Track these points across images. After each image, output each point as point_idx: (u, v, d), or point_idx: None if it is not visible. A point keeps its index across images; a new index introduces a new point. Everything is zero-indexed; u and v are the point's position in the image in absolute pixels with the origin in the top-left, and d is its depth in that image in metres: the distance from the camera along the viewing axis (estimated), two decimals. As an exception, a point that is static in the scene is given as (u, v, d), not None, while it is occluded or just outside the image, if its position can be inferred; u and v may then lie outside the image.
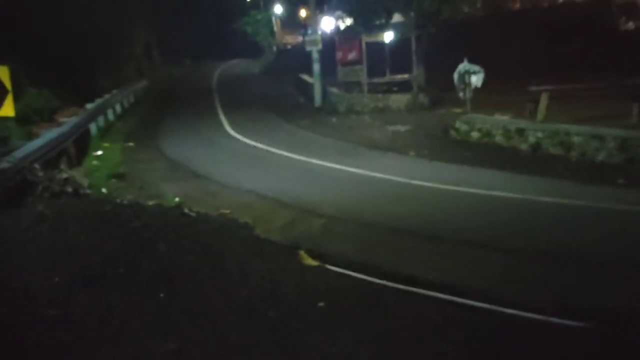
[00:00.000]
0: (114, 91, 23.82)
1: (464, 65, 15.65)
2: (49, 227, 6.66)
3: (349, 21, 30.92)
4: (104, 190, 10.80)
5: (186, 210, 8.31)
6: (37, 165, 9.68)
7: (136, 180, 11.79)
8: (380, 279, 6.12)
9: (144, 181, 11.67)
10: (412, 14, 20.54)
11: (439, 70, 22.97)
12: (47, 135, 12.22)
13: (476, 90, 15.98)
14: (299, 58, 32.99)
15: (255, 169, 12.33)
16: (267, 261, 6.57)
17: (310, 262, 6.65)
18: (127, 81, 30.43)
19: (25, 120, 17.92)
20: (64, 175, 9.28)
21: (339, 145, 14.83)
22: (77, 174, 10.94)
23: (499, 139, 13.85)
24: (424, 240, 7.31)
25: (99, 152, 14.92)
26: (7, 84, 8.94)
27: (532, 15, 29.67)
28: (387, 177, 10.79)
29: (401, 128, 17.27)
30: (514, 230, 7.61)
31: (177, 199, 9.66)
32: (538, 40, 25.03)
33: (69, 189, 9.17)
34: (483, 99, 16.63)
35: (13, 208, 8.03)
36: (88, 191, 10.07)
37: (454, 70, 24.73)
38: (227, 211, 8.91)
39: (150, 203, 9.35)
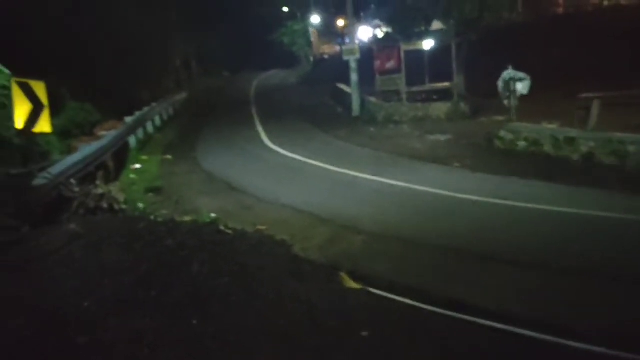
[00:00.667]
0: (154, 104, 23.95)
1: (508, 72, 15.04)
2: (82, 246, 6.45)
3: (386, 30, 30.61)
4: (140, 205, 10.65)
5: (222, 227, 8.02)
6: (73, 181, 9.56)
7: (173, 194, 11.61)
8: (428, 304, 5.67)
9: (180, 195, 11.49)
10: (452, 21, 19.96)
11: (479, 77, 22.44)
12: (85, 149, 12.16)
13: (520, 98, 15.31)
14: (336, 68, 32.79)
15: (292, 181, 12.02)
16: (305, 283, 6.21)
17: (352, 284, 6.25)
18: (167, 93, 30.69)
19: (67, 134, 18.10)
20: (100, 191, 9.13)
21: (378, 156, 14.41)
22: (114, 189, 10.82)
23: (547, 148, 13.18)
24: (473, 260, 6.81)
25: (137, 166, 14.86)
26: (44, 99, 8.85)
27: (576, 19, 28.65)
28: (430, 190, 10.30)
29: (442, 137, 16.74)
30: (569, 249, 7.03)
31: (212, 215, 9.40)
32: (582, 46, 24.08)
33: (105, 205, 9.02)
34: (527, 107, 15.95)
35: (48, 225, 7.90)
36: (124, 206, 9.93)
37: (494, 77, 24.00)
38: (264, 227, 8.60)
39: (186, 219, 9.13)
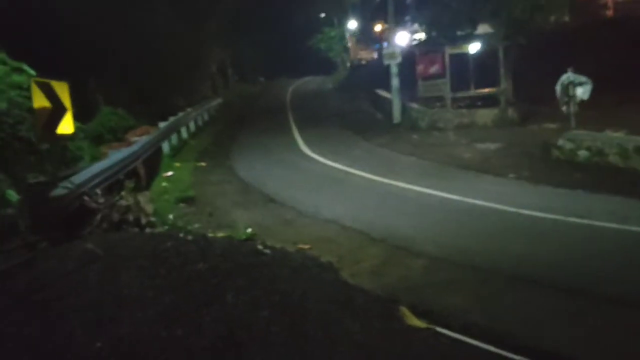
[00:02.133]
0: (188, 109, 23.22)
1: (567, 76, 13.71)
2: (99, 270, 5.49)
3: (423, 34, 29.32)
4: (170, 216, 9.72)
5: (260, 247, 6.99)
6: (98, 191, 8.68)
7: (206, 205, 10.67)
8: (513, 353, 4.51)
9: (214, 206, 10.53)
10: (499, 23, 18.65)
11: (526, 83, 21.12)
12: (114, 156, 11.34)
13: (579, 104, 13.95)
14: (374, 74, 31.68)
15: (335, 193, 10.94)
16: (359, 319, 5.12)
17: (416, 322, 5.12)
18: (202, 99, 30.05)
19: (99, 139, 17.44)
20: (125, 202, 8.20)
21: (425, 166, 13.23)
22: (143, 199, 9.90)
23: (613, 158, 11.83)
24: (560, 294, 5.61)
25: (170, 173, 14.00)
26: (67, 101, 8.00)
27: (626, 23, 26.93)
28: (490, 205, 9.09)
29: (491, 146, 15.46)
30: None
31: (249, 230, 8.39)
32: (634, 50, 22.42)
33: (130, 218, 8.09)
34: (584, 113, 14.58)
35: (68, 241, 7.01)
36: (152, 219, 9.00)
37: (542, 83, 22.65)
38: (307, 247, 7.55)
39: (220, 235, 8.14)
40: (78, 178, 8.52)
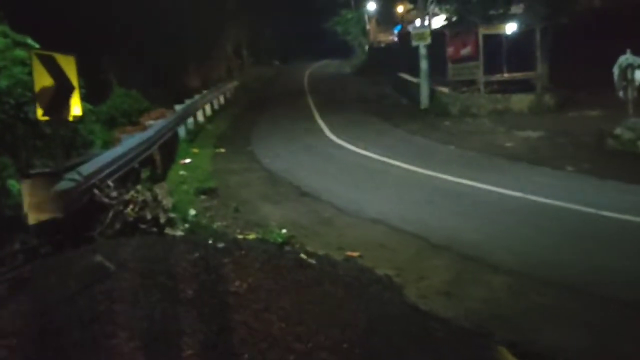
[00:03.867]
0: (204, 91, 21.91)
1: (626, 58, 12.24)
2: (106, 291, 4.25)
3: (446, 17, 27.60)
4: (191, 212, 8.46)
5: (303, 256, 5.73)
6: (110, 183, 7.43)
7: (230, 198, 9.40)
8: None
9: (239, 200, 9.26)
10: (540, 1, 17.13)
11: (561, 67, 19.64)
12: (128, 142, 10.08)
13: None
14: (394, 57, 30.16)
15: (374, 186, 9.63)
16: (445, 362, 3.88)
17: (523, 371, 3.86)
18: (218, 81, 28.73)
19: (112, 123, 16.23)
20: (142, 197, 6.94)
21: (469, 156, 11.88)
22: (161, 191, 8.66)
23: (682, 150, 10.45)
24: None
25: (187, 160, 12.75)
26: (74, 78, 6.72)
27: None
28: (559, 203, 7.76)
29: (533, 134, 14.09)
30: None
31: (284, 231, 7.11)
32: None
33: (148, 216, 6.83)
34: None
35: (73, 246, 5.78)
36: (172, 214, 7.74)
37: (579, 67, 21.11)
38: (356, 254, 6.27)
39: (251, 237, 6.88)
40: (87, 168, 7.26)
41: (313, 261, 5.65)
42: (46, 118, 6.60)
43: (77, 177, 6.67)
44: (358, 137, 14.39)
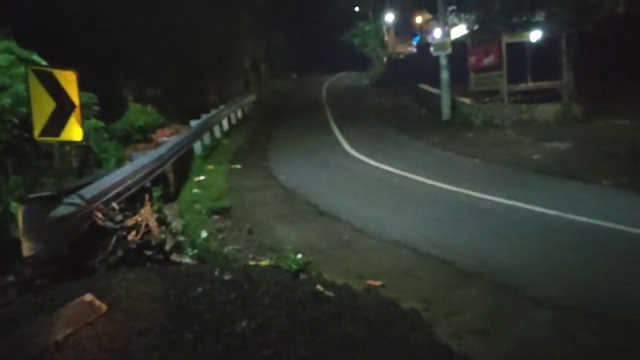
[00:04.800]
0: (222, 106, 21.53)
1: (661, 64, 11.48)
2: (95, 337, 3.72)
3: (467, 26, 26.97)
4: (202, 234, 7.94)
5: (319, 287, 5.15)
6: (115, 205, 6.96)
7: (243, 219, 8.88)
8: None
9: (253, 220, 8.73)
10: (565, 7, 16.44)
11: (587, 75, 18.91)
12: (138, 160, 9.64)
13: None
14: (413, 68, 29.55)
15: (396, 204, 9.02)
16: None
17: None
18: (235, 96, 28.42)
19: (127, 139, 15.91)
20: (147, 221, 6.44)
21: (495, 170, 11.22)
22: (171, 212, 8.21)
23: None
24: None
25: (202, 177, 12.28)
26: (74, 96, 6.27)
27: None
28: (602, 223, 7.07)
29: (561, 145, 13.36)
30: None
31: (299, 256, 6.54)
32: None
33: (153, 242, 6.33)
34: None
35: (71, 277, 5.30)
36: (181, 238, 7.24)
37: (606, 75, 20.28)
38: (378, 283, 5.67)
39: (263, 263, 6.33)
40: (91, 190, 6.80)
41: (331, 293, 5.07)
42: (45, 139, 6.15)
43: (78, 201, 6.20)
44: (378, 151, 13.80)
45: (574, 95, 17.59)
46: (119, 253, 5.96)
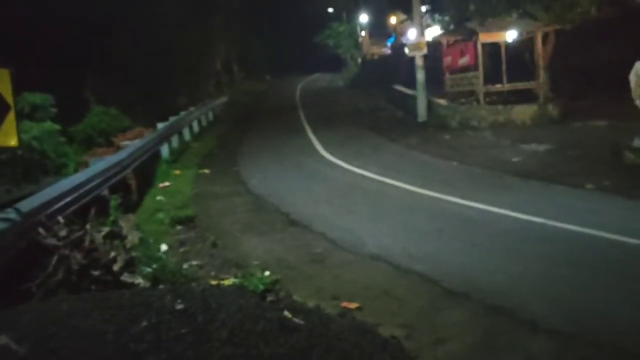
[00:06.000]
0: (191, 108, 20.71)
1: (643, 63, 11.09)
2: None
3: (437, 29, 26.61)
4: (162, 248, 7.21)
5: (287, 314, 4.47)
6: (61, 219, 6.16)
7: (209, 229, 8.16)
8: None
9: (219, 231, 8.02)
10: (544, 6, 16.07)
11: (562, 76, 18.68)
12: (94, 167, 8.83)
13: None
14: (387, 69, 29.13)
15: (373, 212, 8.38)
16: None
17: None
18: (206, 97, 27.56)
19: (88, 143, 15.02)
20: (94, 236, 5.68)
21: (474, 173, 10.69)
22: (127, 224, 7.40)
23: None
24: None
25: (167, 184, 11.49)
26: (8, 96, 5.48)
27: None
28: (593, 232, 6.55)
29: (540, 147, 12.94)
30: None
31: (267, 273, 5.85)
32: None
33: (102, 260, 5.57)
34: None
35: (2, 306, 4.51)
36: (135, 254, 6.47)
37: (578, 75, 20.06)
38: (353, 305, 5.02)
39: (226, 282, 5.62)
40: (31, 202, 6.01)
41: (300, 321, 4.39)
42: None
43: (12, 215, 5.41)
44: (353, 154, 13.19)
45: (550, 96, 17.27)
46: (59, 275, 5.19)
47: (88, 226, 5.65)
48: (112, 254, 5.79)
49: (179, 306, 4.15)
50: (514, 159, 11.86)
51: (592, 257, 5.78)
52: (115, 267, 5.49)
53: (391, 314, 4.80)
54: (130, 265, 5.94)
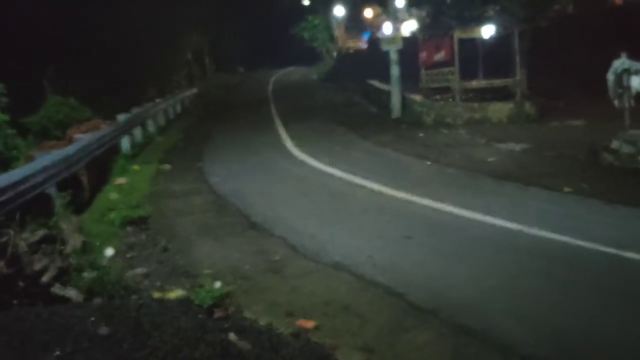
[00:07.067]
0: (157, 100, 19.97)
1: (621, 62, 10.80)
2: None
3: (414, 23, 26.27)
4: (108, 252, 6.65)
5: (233, 337, 3.97)
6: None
7: (161, 232, 7.61)
8: None
9: (172, 234, 7.48)
10: (520, 2, 15.79)
11: (539, 74, 18.52)
12: (39, 161, 8.19)
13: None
14: (363, 64, 28.67)
15: (339, 215, 7.90)
16: None
17: None
18: (176, 89, 26.78)
19: (44, 135, 14.25)
20: (17, 242, 5.09)
21: (448, 174, 10.30)
22: (68, 227, 6.81)
23: (692, 167, 9.05)
24: None
25: (123, 180, 10.86)
26: None
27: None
28: (572, 241, 6.16)
29: (516, 147, 12.64)
30: None
31: (217, 285, 5.34)
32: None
33: (27, 270, 4.99)
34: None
35: None
36: (73, 261, 5.90)
37: (554, 73, 19.92)
38: (310, 324, 4.55)
39: (172, 295, 5.10)
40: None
41: (247, 345, 3.91)
42: None
43: None
44: (323, 151, 12.70)
45: (527, 94, 17.05)
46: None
47: (11, 231, 5.06)
48: (44, 261, 5.22)
49: (104, 330, 3.62)
50: (490, 159, 11.51)
51: (570, 270, 5.40)
52: (45, 278, 4.93)
53: (350, 334, 4.34)
54: (65, 275, 5.38)
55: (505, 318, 4.42)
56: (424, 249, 6.23)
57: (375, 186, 9.27)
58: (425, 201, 8.19)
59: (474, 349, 4.02)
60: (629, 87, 10.77)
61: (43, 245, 5.69)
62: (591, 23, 23.16)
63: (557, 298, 4.77)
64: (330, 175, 10.45)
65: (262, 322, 4.50)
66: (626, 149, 10.14)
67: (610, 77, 10.92)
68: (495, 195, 8.52)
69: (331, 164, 11.22)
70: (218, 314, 4.70)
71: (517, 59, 16.83)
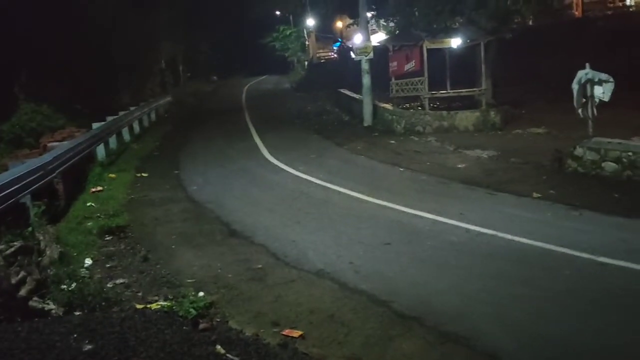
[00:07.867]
0: (132, 108, 19.55)
1: (585, 73, 10.92)
2: None
3: (386, 33, 26.47)
4: (86, 263, 6.39)
5: (219, 349, 3.81)
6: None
7: (141, 240, 7.38)
8: None
9: (152, 242, 7.25)
10: (486, 14, 15.97)
11: (502, 83, 18.85)
12: (12, 171, 7.85)
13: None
14: (334, 73, 28.70)
15: (318, 222, 7.78)
16: None
17: None
18: (150, 97, 26.28)
19: (16, 143, 13.77)
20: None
21: (421, 180, 10.28)
22: (45, 237, 6.53)
23: (652, 173, 9.20)
24: None
25: (99, 188, 10.53)
26: None
27: (597, 23, 24.93)
28: (544, 245, 6.19)
29: (483, 154, 12.71)
30: None
31: (200, 294, 5.16)
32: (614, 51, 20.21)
33: (3, 284, 4.73)
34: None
35: None
36: (51, 272, 5.64)
37: (516, 83, 20.25)
38: (296, 334, 4.41)
39: (154, 306, 4.90)
40: None
41: (234, 357, 3.75)
42: None
43: None
44: (298, 158, 12.58)
45: (492, 103, 17.24)
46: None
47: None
48: (21, 274, 4.96)
49: (87, 347, 3.43)
50: (459, 165, 11.56)
51: (544, 275, 5.39)
52: (23, 291, 4.67)
53: (337, 343, 4.23)
54: (43, 287, 5.12)
55: (488, 326, 4.37)
56: (403, 255, 6.15)
57: (352, 193, 9.20)
58: (402, 207, 8.14)
59: (461, 357, 3.94)
60: (592, 97, 10.93)
61: (19, 257, 5.41)
62: (552, 35, 23.67)
63: (538, 305, 4.74)
64: (308, 182, 10.33)
65: (248, 332, 4.36)
66: (590, 156, 10.27)
67: (575, 86, 11.04)
68: (468, 201, 8.52)
69: (308, 171, 11.10)
70: (203, 325, 4.52)
71: (483, 68, 17.00)
